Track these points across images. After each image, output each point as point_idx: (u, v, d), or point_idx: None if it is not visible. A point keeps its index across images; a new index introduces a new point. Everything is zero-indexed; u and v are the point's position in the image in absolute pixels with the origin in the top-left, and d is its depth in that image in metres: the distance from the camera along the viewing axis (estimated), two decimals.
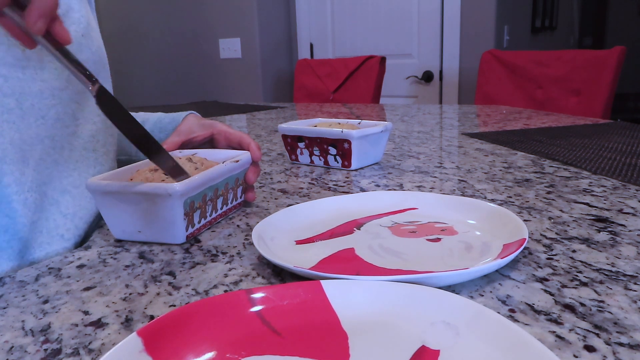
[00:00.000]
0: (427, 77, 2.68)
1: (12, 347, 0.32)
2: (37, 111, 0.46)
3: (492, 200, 0.58)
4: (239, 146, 0.65)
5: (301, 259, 0.42)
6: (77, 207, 0.51)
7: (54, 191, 0.49)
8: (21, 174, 0.45)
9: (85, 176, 0.52)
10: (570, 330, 0.31)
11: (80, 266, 0.44)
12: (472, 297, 0.36)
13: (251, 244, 0.48)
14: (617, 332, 0.31)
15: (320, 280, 0.34)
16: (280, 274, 0.41)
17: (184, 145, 0.64)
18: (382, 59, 2.26)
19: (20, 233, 0.45)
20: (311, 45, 3.03)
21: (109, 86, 0.58)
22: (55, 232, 0.48)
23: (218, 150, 0.61)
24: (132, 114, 0.51)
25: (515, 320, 0.33)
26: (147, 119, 0.70)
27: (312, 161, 0.82)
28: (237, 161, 0.54)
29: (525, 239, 0.41)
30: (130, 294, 0.39)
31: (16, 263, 0.46)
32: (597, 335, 0.30)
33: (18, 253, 0.45)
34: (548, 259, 0.42)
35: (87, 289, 0.40)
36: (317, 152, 0.80)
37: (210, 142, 0.67)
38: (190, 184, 0.46)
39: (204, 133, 0.65)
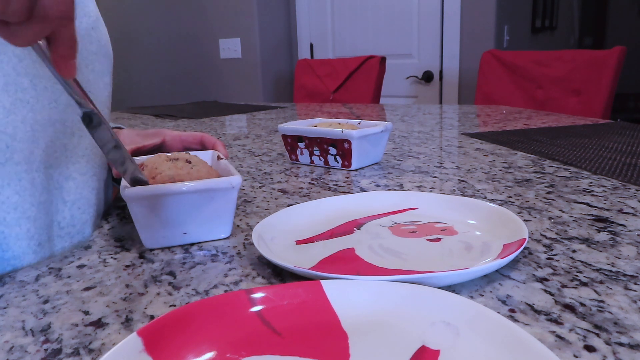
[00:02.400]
0: (427, 77, 2.68)
1: (12, 347, 0.32)
2: (50, 94, 0.46)
3: (492, 200, 0.58)
4: (202, 146, 0.65)
5: (301, 259, 0.42)
6: (78, 195, 0.51)
7: (60, 176, 0.49)
8: (30, 153, 0.45)
9: (92, 165, 0.52)
10: (570, 330, 0.31)
11: (80, 266, 0.44)
12: (472, 297, 0.36)
13: (251, 244, 0.48)
14: (617, 332, 0.31)
15: (320, 280, 0.34)
16: (280, 274, 0.41)
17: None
18: (382, 59, 2.26)
19: (28, 212, 0.45)
20: (311, 45, 3.03)
21: (108, 80, 0.58)
22: (54, 218, 0.48)
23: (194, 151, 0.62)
24: None
25: (515, 320, 0.33)
26: None
27: (312, 161, 0.82)
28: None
29: (525, 239, 0.41)
30: (130, 294, 0.39)
31: (25, 242, 0.45)
32: (597, 335, 0.31)
33: (26, 232, 0.45)
34: (548, 259, 0.42)
35: (87, 289, 0.40)
36: (317, 152, 0.80)
37: (159, 150, 0.67)
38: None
39: (152, 142, 0.64)
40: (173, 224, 0.47)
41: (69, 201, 0.50)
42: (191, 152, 0.55)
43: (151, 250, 0.47)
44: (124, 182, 0.47)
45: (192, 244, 0.48)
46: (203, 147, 0.65)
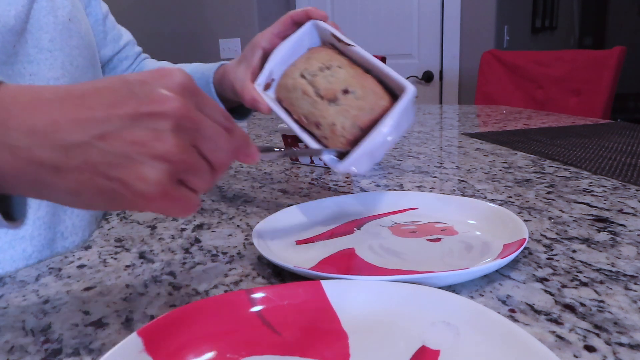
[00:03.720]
0: (427, 77, 2.67)
1: (13, 347, 0.32)
2: None
3: (492, 200, 0.58)
4: (296, 26, 0.54)
5: (301, 259, 0.42)
6: None
7: None
8: None
9: None
10: (570, 330, 0.31)
11: (81, 266, 0.44)
12: (472, 297, 0.36)
13: (251, 244, 0.48)
14: (617, 332, 0.31)
15: (320, 280, 0.34)
16: (280, 274, 0.41)
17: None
18: (382, 59, 2.26)
19: (22, 232, 0.45)
20: None
21: (99, 73, 0.57)
22: (57, 229, 0.48)
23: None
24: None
25: (515, 320, 0.33)
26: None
27: (312, 161, 0.82)
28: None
29: (526, 239, 0.41)
30: (130, 294, 0.39)
31: (22, 263, 0.45)
32: (597, 335, 0.30)
33: (22, 253, 0.45)
34: (548, 259, 0.42)
35: (87, 289, 0.40)
36: None
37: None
38: None
39: (255, 62, 0.54)
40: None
41: (69, 210, 0.49)
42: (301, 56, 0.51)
43: (150, 250, 0.47)
44: (333, 161, 0.47)
45: (192, 244, 0.48)
46: (296, 25, 0.54)
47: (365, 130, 0.46)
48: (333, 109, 0.46)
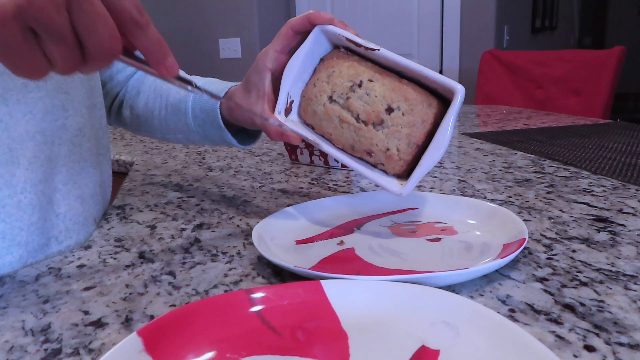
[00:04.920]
0: None
1: (12, 347, 0.32)
2: (23, 105, 0.44)
3: (492, 200, 0.58)
4: (303, 37, 0.49)
5: (301, 259, 0.42)
6: (67, 206, 0.49)
7: (48, 189, 0.47)
8: (11, 176, 0.43)
9: (72, 172, 0.50)
10: (570, 330, 0.31)
11: (80, 266, 0.44)
12: (472, 297, 0.36)
13: (251, 244, 0.48)
14: (617, 332, 0.31)
15: (320, 280, 0.34)
16: (280, 274, 0.41)
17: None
18: None
19: (18, 238, 0.44)
20: None
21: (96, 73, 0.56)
22: (51, 234, 0.47)
23: None
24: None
25: (515, 320, 0.33)
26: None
27: (312, 161, 0.82)
28: None
29: (525, 239, 0.40)
30: (130, 294, 0.39)
31: (19, 268, 0.45)
32: (597, 335, 0.31)
33: (19, 259, 0.44)
34: (548, 259, 0.42)
35: (87, 288, 0.40)
36: (317, 152, 0.80)
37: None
38: None
39: (264, 95, 0.50)
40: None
41: (61, 214, 0.48)
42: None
43: (150, 249, 0.47)
44: (395, 187, 0.43)
45: (191, 244, 0.48)
46: (299, 35, 0.49)
47: (423, 145, 0.43)
48: (382, 133, 0.43)
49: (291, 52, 0.49)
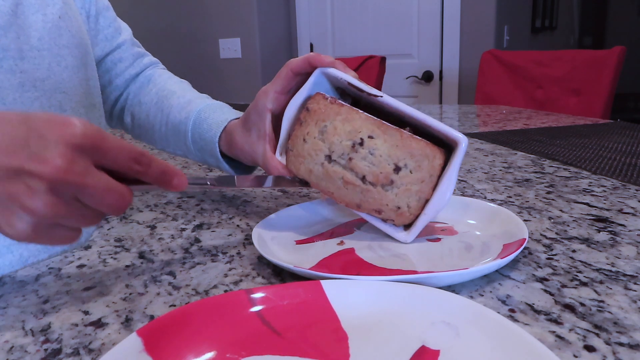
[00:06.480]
0: (427, 77, 2.67)
1: (12, 347, 0.32)
2: (20, 105, 0.44)
3: (492, 200, 0.58)
4: (302, 81, 0.49)
5: (301, 259, 0.42)
6: None
7: None
8: None
9: None
10: (570, 330, 0.31)
11: (80, 266, 0.44)
12: (472, 297, 0.36)
13: (251, 244, 0.48)
14: (617, 332, 0.31)
15: (320, 280, 0.34)
16: (280, 274, 0.41)
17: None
18: (382, 59, 2.25)
19: None
20: (311, 45, 3.03)
21: (93, 72, 0.56)
22: None
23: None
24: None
25: (515, 320, 0.33)
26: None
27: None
28: None
29: (525, 239, 0.40)
30: (130, 294, 0.39)
31: (20, 267, 0.45)
32: (597, 335, 0.31)
33: (19, 258, 0.44)
34: (548, 259, 0.42)
35: (87, 289, 0.40)
36: None
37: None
38: None
39: (264, 134, 0.50)
40: None
41: None
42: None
43: (150, 250, 0.47)
44: (401, 235, 0.44)
45: (191, 244, 0.48)
46: (299, 76, 0.49)
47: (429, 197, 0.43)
48: (392, 193, 0.42)
49: (291, 92, 0.49)
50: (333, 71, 0.46)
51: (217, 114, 0.57)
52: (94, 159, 0.32)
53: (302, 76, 0.49)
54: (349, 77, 0.45)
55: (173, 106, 0.60)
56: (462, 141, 0.42)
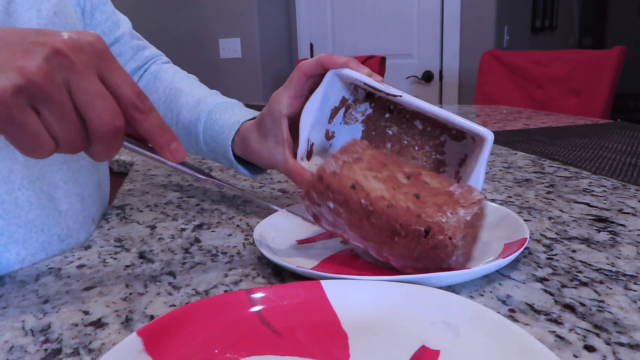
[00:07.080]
0: (427, 77, 2.68)
1: (12, 347, 0.32)
2: None
3: (492, 200, 0.58)
4: (314, 84, 0.49)
5: (302, 259, 0.42)
6: (68, 205, 0.49)
7: (49, 187, 0.46)
8: (9, 172, 0.43)
9: (72, 170, 0.49)
10: (570, 330, 0.31)
11: (80, 266, 0.44)
12: (472, 297, 0.36)
13: (251, 243, 0.48)
14: (617, 332, 0.31)
15: (321, 280, 0.34)
16: (280, 274, 0.41)
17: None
18: (382, 59, 2.26)
19: (15, 235, 0.44)
20: (311, 45, 3.03)
21: None
22: (54, 232, 0.47)
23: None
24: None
25: (515, 320, 0.33)
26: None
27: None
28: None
29: (527, 238, 0.40)
30: (130, 294, 0.39)
31: (17, 267, 0.44)
32: (597, 335, 0.30)
33: (16, 256, 0.44)
34: (548, 259, 0.42)
35: (87, 289, 0.40)
36: None
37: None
38: None
39: (282, 140, 0.50)
40: None
41: (63, 212, 0.48)
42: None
43: (150, 250, 0.47)
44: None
45: (191, 244, 0.48)
46: (311, 78, 0.48)
47: None
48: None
49: (304, 95, 0.49)
50: (347, 72, 0.45)
51: (229, 115, 0.56)
52: (99, 69, 0.31)
53: (315, 78, 0.48)
54: (364, 77, 0.44)
55: (182, 105, 0.60)
56: (488, 135, 0.42)
